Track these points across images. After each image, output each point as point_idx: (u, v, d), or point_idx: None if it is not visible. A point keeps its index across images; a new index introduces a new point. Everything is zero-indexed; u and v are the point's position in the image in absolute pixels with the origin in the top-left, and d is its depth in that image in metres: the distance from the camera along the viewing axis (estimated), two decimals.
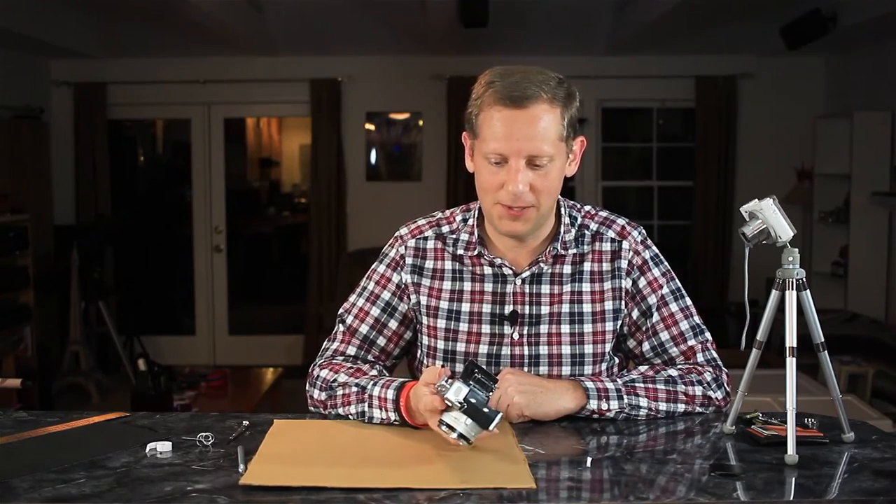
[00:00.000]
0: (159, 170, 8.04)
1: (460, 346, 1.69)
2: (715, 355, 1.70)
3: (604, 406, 1.56)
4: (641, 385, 1.60)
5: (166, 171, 7.91)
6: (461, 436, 1.38)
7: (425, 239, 1.74)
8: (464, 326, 1.69)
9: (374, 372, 1.67)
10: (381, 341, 1.74)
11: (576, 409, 1.56)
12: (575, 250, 1.69)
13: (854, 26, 5.42)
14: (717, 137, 6.86)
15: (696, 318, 1.71)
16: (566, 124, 1.57)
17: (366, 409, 1.57)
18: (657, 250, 1.74)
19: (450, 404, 1.38)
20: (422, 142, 7.12)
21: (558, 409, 1.56)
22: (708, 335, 1.71)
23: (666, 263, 1.73)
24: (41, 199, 6.38)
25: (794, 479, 1.30)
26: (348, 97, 6.96)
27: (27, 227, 5.72)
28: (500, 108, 1.54)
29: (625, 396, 1.57)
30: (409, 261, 1.73)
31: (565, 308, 1.67)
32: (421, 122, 7.13)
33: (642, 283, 1.69)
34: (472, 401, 1.37)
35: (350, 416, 1.61)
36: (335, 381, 1.64)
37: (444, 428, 1.39)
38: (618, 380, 1.60)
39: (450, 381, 1.39)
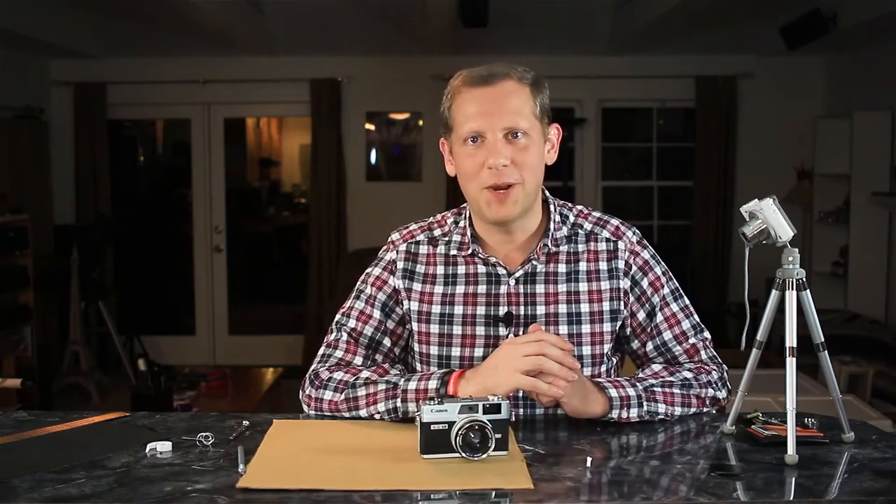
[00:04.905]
0: (159, 170, 8.04)
1: (455, 351, 1.66)
2: (715, 353, 1.72)
3: (624, 414, 1.55)
4: (660, 390, 1.59)
5: (166, 171, 7.91)
6: None
7: (417, 243, 1.73)
8: (457, 330, 1.66)
9: (396, 371, 1.64)
10: (387, 342, 1.70)
11: (601, 414, 1.54)
12: (567, 247, 1.68)
13: (854, 26, 5.42)
14: (717, 137, 6.85)
15: (696, 318, 1.72)
16: (538, 104, 1.61)
17: (398, 404, 1.53)
18: (654, 251, 1.73)
19: None
20: (422, 142, 7.12)
21: (588, 411, 1.54)
22: (707, 334, 1.72)
23: (664, 264, 1.73)
24: (41, 199, 6.38)
25: (794, 479, 1.30)
26: (348, 97, 6.96)
27: (27, 227, 5.72)
28: (470, 88, 1.60)
29: (645, 403, 1.56)
30: (400, 265, 1.71)
31: (562, 308, 1.65)
32: (421, 122, 7.13)
33: (645, 283, 1.68)
34: None
35: (375, 416, 1.56)
36: (357, 380, 1.60)
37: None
38: (637, 384, 1.58)
39: None
